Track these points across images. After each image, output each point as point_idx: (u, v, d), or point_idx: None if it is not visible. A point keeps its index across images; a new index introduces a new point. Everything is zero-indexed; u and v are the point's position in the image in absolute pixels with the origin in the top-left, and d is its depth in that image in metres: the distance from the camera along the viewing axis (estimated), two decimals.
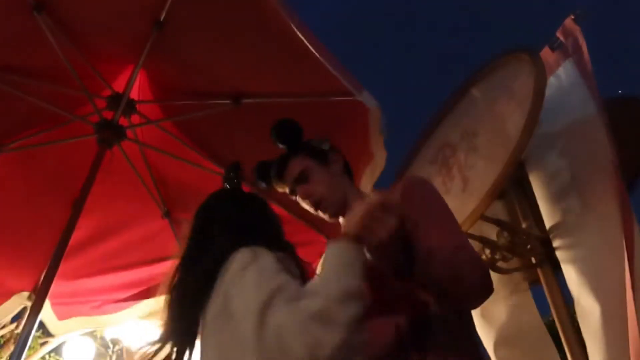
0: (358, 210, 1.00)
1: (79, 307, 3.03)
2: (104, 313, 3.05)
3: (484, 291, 1.12)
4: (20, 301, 2.84)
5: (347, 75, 2.07)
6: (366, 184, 2.37)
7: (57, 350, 6.60)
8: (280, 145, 1.44)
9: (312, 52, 1.95)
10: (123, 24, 2.26)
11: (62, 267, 2.81)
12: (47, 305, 2.91)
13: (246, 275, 0.96)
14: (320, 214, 1.37)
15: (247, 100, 2.43)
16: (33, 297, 2.78)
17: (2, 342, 6.44)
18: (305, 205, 1.38)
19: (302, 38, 1.92)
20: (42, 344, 6.40)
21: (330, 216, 1.37)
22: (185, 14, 2.18)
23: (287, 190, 1.42)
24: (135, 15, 2.20)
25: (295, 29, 1.90)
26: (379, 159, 2.31)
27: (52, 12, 2.14)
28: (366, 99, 2.12)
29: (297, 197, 1.39)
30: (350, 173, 1.46)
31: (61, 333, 3.21)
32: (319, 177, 1.36)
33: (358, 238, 0.96)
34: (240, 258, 1.00)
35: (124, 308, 3.00)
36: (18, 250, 2.75)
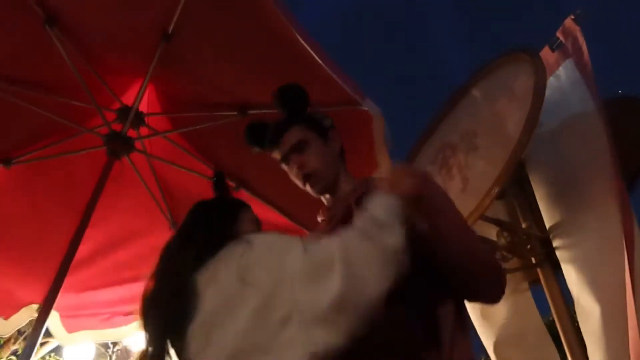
0: (399, 175, 1.06)
1: (88, 320, 3.03)
2: (113, 326, 3.05)
3: (498, 284, 1.15)
4: (29, 313, 2.84)
5: (350, 84, 2.08)
6: None
7: (57, 350, 6.61)
8: (283, 110, 1.38)
9: (316, 61, 1.95)
10: (132, 37, 2.27)
11: (71, 280, 2.79)
12: (56, 317, 2.93)
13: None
14: (308, 188, 1.33)
15: (254, 111, 2.43)
16: None
17: (2, 342, 6.45)
18: (294, 177, 1.33)
19: (307, 48, 1.92)
20: (42, 344, 6.41)
21: (317, 192, 1.33)
22: (193, 26, 2.18)
23: (278, 157, 1.36)
24: (144, 28, 2.20)
25: (300, 39, 1.91)
26: (384, 168, 2.31)
27: (62, 26, 2.15)
28: (369, 107, 2.13)
29: (288, 166, 1.33)
30: (344, 157, 1.42)
31: (70, 345, 3.21)
32: (316, 150, 1.32)
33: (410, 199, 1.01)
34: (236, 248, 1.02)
35: (134, 321, 2.97)
36: (28, 263, 2.75)
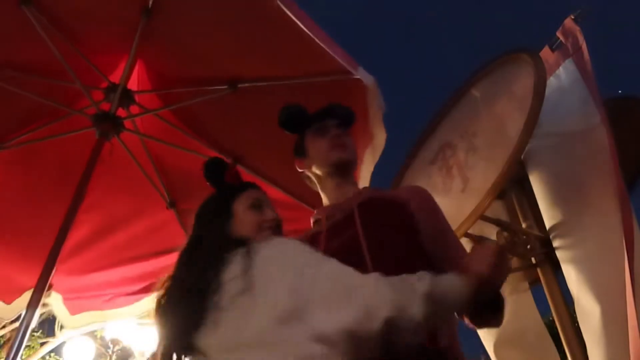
0: (486, 252, 1.07)
1: (90, 302, 3.04)
2: (115, 306, 3.05)
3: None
4: None
5: (341, 54, 2.05)
6: (368, 165, 2.33)
7: (57, 350, 6.60)
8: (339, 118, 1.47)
9: (305, 32, 1.92)
10: (111, 13, 2.22)
11: (72, 263, 2.77)
12: (59, 300, 2.95)
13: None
14: (334, 151, 1.38)
15: (244, 84, 2.40)
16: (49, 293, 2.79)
17: (2, 342, 6.45)
18: (325, 139, 1.39)
19: (294, 18, 1.89)
20: (42, 344, 6.41)
21: (339, 160, 1.38)
22: (174, 0, 2.15)
23: (317, 124, 1.43)
24: (122, 4, 2.16)
25: (287, 9, 1.88)
26: (379, 140, 2.27)
27: (39, 4, 2.10)
28: (362, 75, 2.09)
29: (321, 132, 1.41)
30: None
31: (75, 327, 3.22)
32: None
33: (486, 279, 1.02)
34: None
35: (135, 301, 2.99)
36: (28, 248, 2.73)
